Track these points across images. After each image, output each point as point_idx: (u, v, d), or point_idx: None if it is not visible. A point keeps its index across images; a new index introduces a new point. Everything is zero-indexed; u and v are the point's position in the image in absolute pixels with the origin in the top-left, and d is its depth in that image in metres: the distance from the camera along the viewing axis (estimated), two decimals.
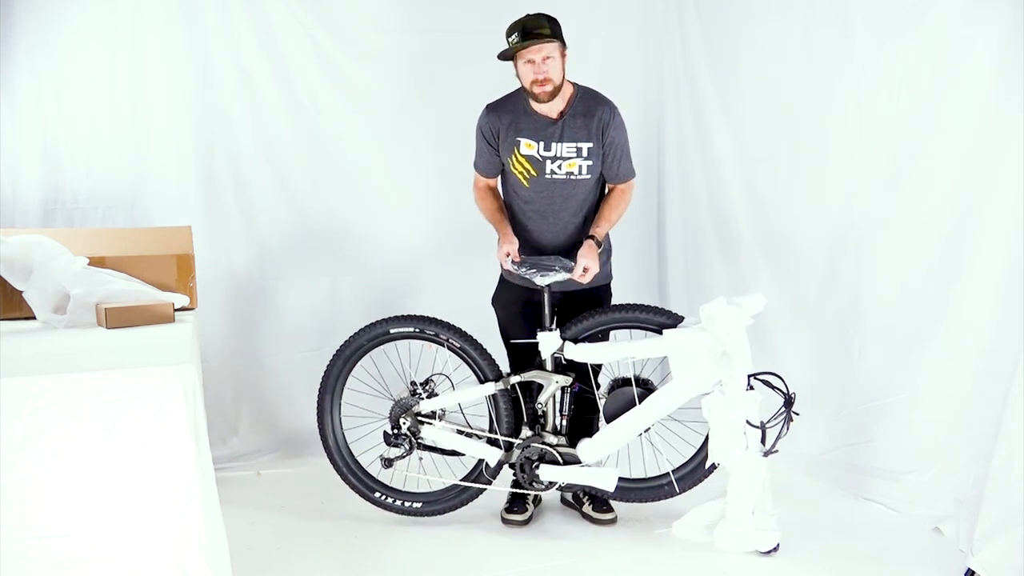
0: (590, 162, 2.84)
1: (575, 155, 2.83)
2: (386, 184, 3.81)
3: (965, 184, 2.74)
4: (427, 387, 2.96)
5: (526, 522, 2.99)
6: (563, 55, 2.78)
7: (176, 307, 2.55)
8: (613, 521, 2.97)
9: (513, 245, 2.86)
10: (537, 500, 3.12)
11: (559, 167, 2.84)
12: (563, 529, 2.97)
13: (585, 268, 2.79)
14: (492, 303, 3.11)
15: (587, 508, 3.01)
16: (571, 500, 3.11)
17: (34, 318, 2.50)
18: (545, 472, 2.85)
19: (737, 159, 3.73)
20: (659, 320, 2.79)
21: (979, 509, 2.41)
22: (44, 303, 2.48)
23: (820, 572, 2.60)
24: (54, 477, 1.71)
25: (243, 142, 3.62)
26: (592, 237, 2.85)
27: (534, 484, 2.87)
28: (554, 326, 2.86)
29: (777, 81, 3.49)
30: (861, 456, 3.18)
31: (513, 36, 2.74)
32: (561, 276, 2.78)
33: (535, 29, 2.71)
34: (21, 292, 2.51)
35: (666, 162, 4.16)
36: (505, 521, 2.99)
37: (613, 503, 3.01)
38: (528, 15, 2.76)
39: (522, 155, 2.86)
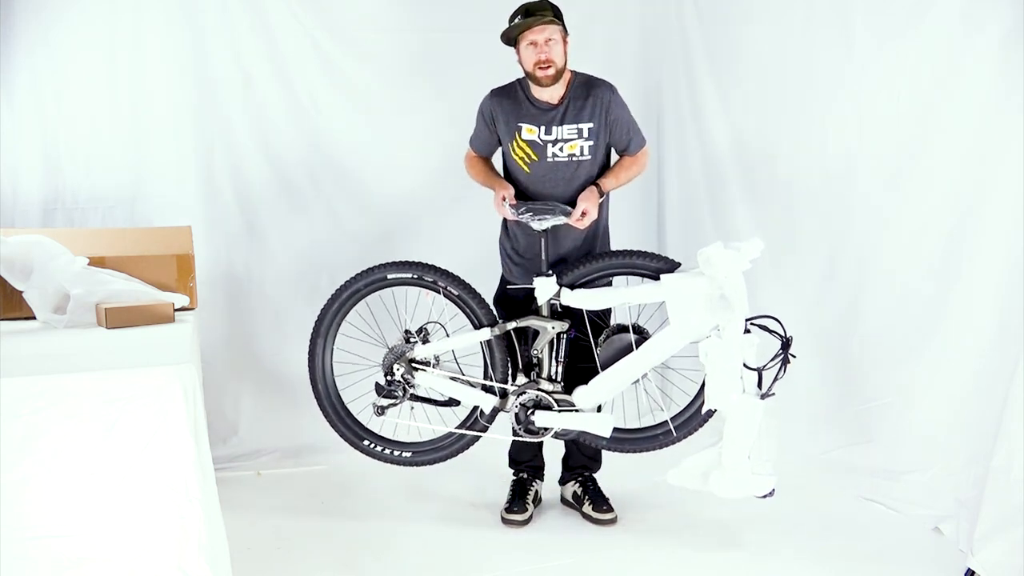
0: (591, 142, 2.85)
1: (576, 136, 2.84)
2: (386, 184, 3.81)
3: (965, 184, 2.74)
4: (421, 335, 2.94)
5: (526, 522, 2.98)
6: (565, 40, 2.81)
7: (176, 307, 2.55)
8: (613, 521, 2.97)
9: (509, 190, 2.86)
10: (537, 500, 3.12)
11: (560, 150, 2.85)
12: (563, 529, 2.97)
13: (584, 212, 2.79)
14: (495, 303, 3.11)
15: (587, 508, 3.01)
16: (571, 500, 3.11)
17: (34, 318, 2.50)
18: (540, 418, 2.84)
19: (737, 159, 3.73)
20: (656, 266, 2.77)
21: (979, 509, 2.42)
22: (44, 303, 2.48)
23: (820, 572, 2.59)
24: (54, 477, 1.71)
25: (243, 142, 3.62)
26: (597, 185, 2.85)
27: (529, 431, 2.85)
28: (551, 272, 2.82)
29: (777, 81, 3.49)
30: (861, 456, 3.18)
31: (516, 18, 2.79)
32: (559, 220, 2.78)
33: (538, 10, 2.77)
34: (21, 292, 2.52)
35: (666, 163, 4.16)
36: (505, 521, 2.98)
37: (613, 504, 3.00)
38: (530, 1, 2.81)
39: (523, 140, 2.87)
